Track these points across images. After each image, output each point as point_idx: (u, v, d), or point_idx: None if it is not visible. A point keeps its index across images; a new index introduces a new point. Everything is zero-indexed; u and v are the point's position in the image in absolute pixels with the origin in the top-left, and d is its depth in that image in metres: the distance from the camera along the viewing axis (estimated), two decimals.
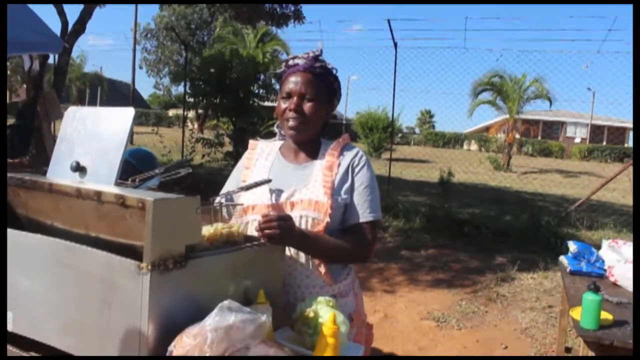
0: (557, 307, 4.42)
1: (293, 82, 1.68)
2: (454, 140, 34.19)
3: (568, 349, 3.55)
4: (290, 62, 1.74)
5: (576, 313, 2.29)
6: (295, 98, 1.67)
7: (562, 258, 3.26)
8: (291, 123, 1.68)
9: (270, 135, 1.92)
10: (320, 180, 1.68)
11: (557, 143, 33.57)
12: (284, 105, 1.70)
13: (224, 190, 1.79)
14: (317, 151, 1.76)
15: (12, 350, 1.35)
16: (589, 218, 8.10)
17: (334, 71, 1.76)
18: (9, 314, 1.39)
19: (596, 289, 2.18)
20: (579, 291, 2.58)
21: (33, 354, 1.36)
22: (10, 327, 1.38)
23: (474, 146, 33.79)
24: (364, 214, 1.69)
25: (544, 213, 8.35)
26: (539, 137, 35.83)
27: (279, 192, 1.68)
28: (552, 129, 37.54)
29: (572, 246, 3.20)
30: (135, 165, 2.05)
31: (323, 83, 1.71)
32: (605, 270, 2.96)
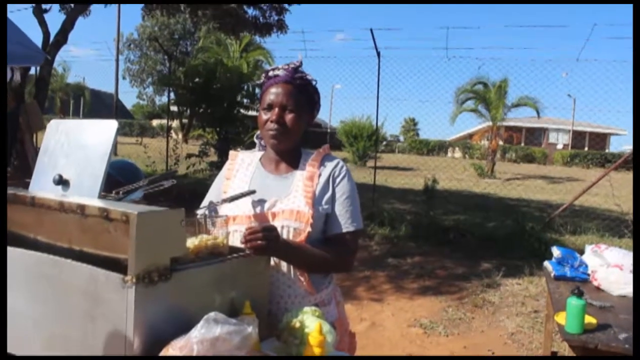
0: (543, 312, 4.46)
1: (274, 94, 1.69)
2: (438, 148, 34.37)
3: (554, 353, 3.58)
4: (271, 73, 1.75)
5: (561, 318, 2.31)
6: (276, 109, 1.68)
7: (546, 263, 3.29)
8: (273, 134, 1.69)
9: (254, 144, 1.93)
10: (301, 190, 1.68)
11: (540, 149, 33.93)
12: (265, 116, 1.71)
13: (205, 201, 1.79)
14: (298, 161, 1.76)
15: None
16: (573, 223, 8.18)
17: (314, 82, 1.77)
18: None
19: (580, 294, 2.21)
20: (563, 296, 2.61)
21: None
22: None
23: (458, 153, 34.03)
24: (346, 224, 1.70)
25: (528, 219, 8.41)
26: (522, 144, 36.17)
27: (260, 202, 1.69)
28: (535, 135, 37.94)
29: (556, 251, 3.23)
30: (115, 177, 2.02)
31: (303, 94, 1.72)
32: (588, 275, 3.00)
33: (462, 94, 21.65)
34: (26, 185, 1.50)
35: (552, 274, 3.10)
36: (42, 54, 6.32)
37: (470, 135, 33.96)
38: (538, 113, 21.85)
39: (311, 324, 1.35)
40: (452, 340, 4.29)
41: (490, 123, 22.18)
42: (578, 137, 35.88)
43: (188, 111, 12.02)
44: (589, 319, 2.25)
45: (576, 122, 34.95)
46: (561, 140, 37.46)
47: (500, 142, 25.54)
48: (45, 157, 1.49)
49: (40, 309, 1.28)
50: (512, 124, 28.81)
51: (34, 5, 9.24)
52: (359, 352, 1.86)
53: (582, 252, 3.26)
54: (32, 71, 9.54)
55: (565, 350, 3.73)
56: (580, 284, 2.85)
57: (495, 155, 21.91)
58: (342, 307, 1.85)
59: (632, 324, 2.22)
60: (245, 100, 11.07)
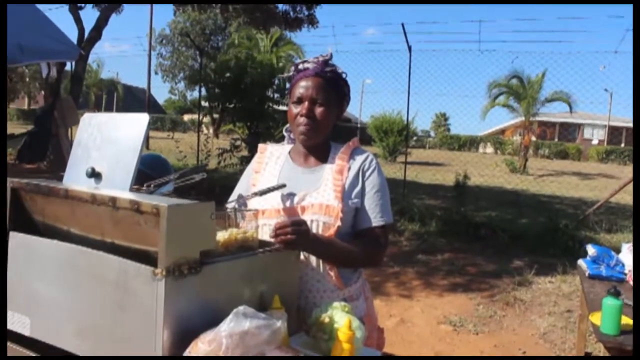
0: (576, 311, 4.36)
1: (304, 87, 1.68)
2: (469, 143, 33.95)
3: (588, 354, 3.50)
4: (300, 67, 1.73)
5: (596, 318, 2.25)
6: (306, 103, 1.67)
7: (580, 262, 3.22)
8: (303, 128, 1.68)
9: (284, 138, 1.92)
10: (330, 184, 1.67)
11: (574, 145, 33.20)
12: (295, 110, 1.70)
13: (234, 195, 1.79)
14: (327, 155, 1.75)
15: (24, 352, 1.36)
16: (608, 221, 7.99)
17: (344, 75, 1.75)
18: (26, 320, 1.39)
19: (616, 294, 2.15)
20: (598, 295, 2.55)
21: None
22: (27, 332, 1.39)
23: (489, 149, 33.55)
24: (376, 218, 1.68)
25: (561, 216, 8.25)
26: (556, 139, 35.46)
27: (289, 196, 1.68)
28: (569, 130, 37.16)
29: (591, 250, 3.16)
30: (144, 171, 2.03)
31: (333, 87, 1.71)
32: (625, 274, 2.92)
33: (494, 88, 21.31)
34: (61, 179, 1.52)
35: (587, 273, 3.03)
36: (77, 49, 6.45)
37: (503, 131, 33.48)
38: (571, 108, 21.37)
39: (340, 319, 1.34)
40: (482, 338, 4.24)
41: (522, 118, 21.79)
42: (614, 133, 34.95)
43: (219, 106, 12.10)
44: (626, 320, 2.19)
45: (613, 117, 34.09)
46: (596, 136, 36.60)
47: (533, 138, 25.09)
48: (79, 150, 1.50)
49: (73, 299, 1.29)
50: (545, 119, 28.27)
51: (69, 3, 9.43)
52: (387, 349, 1.84)
53: (618, 251, 3.18)
54: (68, 67, 9.75)
55: (600, 351, 3.65)
56: (616, 283, 2.78)
57: (527, 151, 21.53)
58: (371, 303, 1.83)
59: (632, 323, 2.16)
60: (275, 95, 11.11)
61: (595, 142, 35.70)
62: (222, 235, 1.37)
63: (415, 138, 28.70)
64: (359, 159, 1.72)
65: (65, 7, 9.77)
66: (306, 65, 1.72)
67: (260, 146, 1.89)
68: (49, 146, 9.19)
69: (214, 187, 7.46)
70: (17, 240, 1.43)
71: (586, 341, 3.51)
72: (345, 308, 1.42)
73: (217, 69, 11.44)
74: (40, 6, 6.19)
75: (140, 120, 1.41)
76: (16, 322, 1.41)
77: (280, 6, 11.07)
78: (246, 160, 10.70)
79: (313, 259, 1.64)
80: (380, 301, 4.78)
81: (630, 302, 2.46)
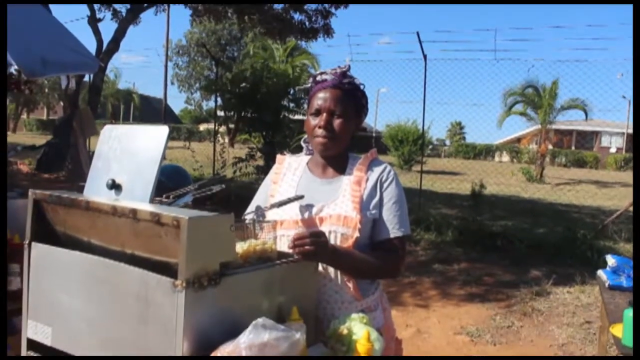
0: (596, 323, 4.31)
1: (322, 99, 1.69)
2: (485, 152, 33.72)
3: None
4: (319, 78, 1.74)
5: (617, 330, 2.23)
6: (324, 114, 1.68)
7: (600, 272, 3.18)
8: (321, 140, 1.68)
9: (300, 148, 1.92)
10: (348, 195, 1.67)
11: (592, 153, 32.85)
12: (313, 122, 1.70)
13: (252, 206, 1.80)
14: (345, 166, 1.75)
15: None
16: (628, 230, 7.88)
17: (362, 87, 1.76)
18: (48, 329, 1.41)
19: None
20: (619, 307, 2.52)
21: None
22: (49, 342, 1.41)
23: (505, 157, 33.29)
24: (394, 230, 1.68)
25: (579, 225, 8.16)
26: (573, 148, 35.12)
27: (307, 207, 1.68)
28: (586, 139, 36.79)
29: (611, 260, 3.13)
30: (164, 182, 2.04)
31: (351, 99, 1.71)
32: None
33: (510, 97, 21.20)
34: (80, 189, 1.54)
35: (607, 284, 2.99)
36: (97, 61, 6.53)
37: (519, 139, 33.22)
38: (586, 115, 21.17)
39: (359, 331, 1.34)
40: (499, 349, 4.19)
41: (539, 126, 21.63)
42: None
43: (235, 116, 12.17)
44: None
45: (631, 125, 33.67)
46: (614, 144, 36.20)
47: (550, 146, 24.85)
48: (99, 162, 1.52)
49: (95, 310, 1.31)
50: (562, 127, 28.01)
51: (88, 15, 9.59)
52: None
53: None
54: (86, 78, 9.89)
55: None
56: None
57: (544, 160, 21.35)
58: (389, 314, 1.83)
59: (633, 322, 2.12)
60: (291, 105, 11.15)
61: (613, 150, 35.30)
62: (241, 247, 1.38)
63: (430, 147, 28.59)
64: (377, 170, 1.73)
65: (84, 19, 9.94)
66: (324, 76, 1.72)
67: (279, 157, 1.90)
68: (68, 156, 9.31)
69: (229, 197, 7.50)
70: (39, 251, 1.45)
71: (607, 353, 3.46)
72: (363, 319, 1.42)
73: (234, 79, 11.52)
74: (60, 18, 6.31)
75: (160, 132, 1.42)
76: (38, 331, 1.43)
77: (296, 16, 11.15)
78: (262, 170, 10.73)
79: (331, 270, 1.64)
80: (397, 311, 4.76)
81: None
